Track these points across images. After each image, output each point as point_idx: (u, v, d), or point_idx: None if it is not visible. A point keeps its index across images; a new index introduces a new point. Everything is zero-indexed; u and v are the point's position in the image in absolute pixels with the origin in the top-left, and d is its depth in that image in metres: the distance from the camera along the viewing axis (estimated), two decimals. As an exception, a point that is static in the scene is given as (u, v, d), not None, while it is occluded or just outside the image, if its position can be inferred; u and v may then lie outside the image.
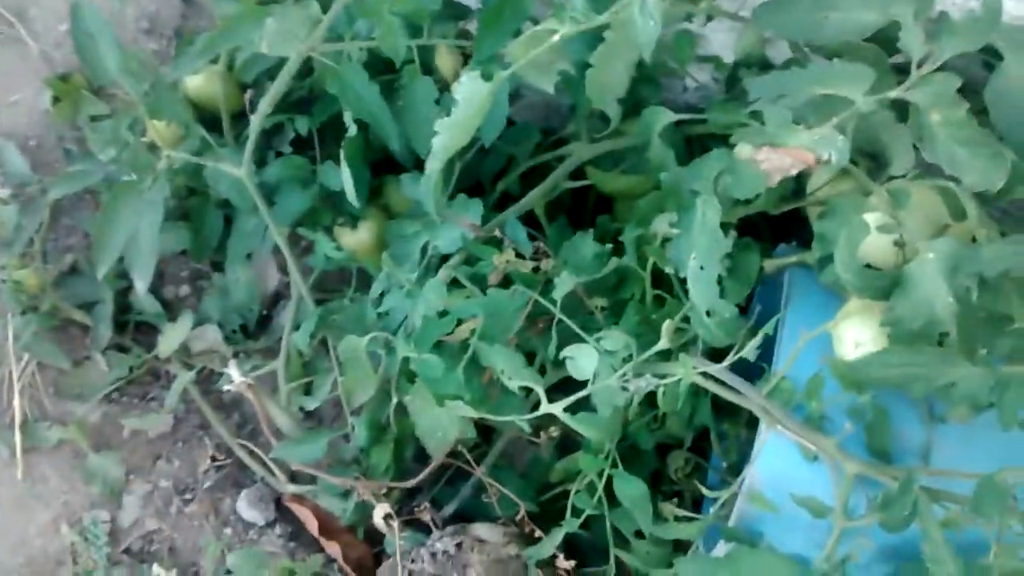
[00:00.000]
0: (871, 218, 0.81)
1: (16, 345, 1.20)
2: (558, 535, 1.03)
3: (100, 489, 1.19)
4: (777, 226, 1.12)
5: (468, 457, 1.08)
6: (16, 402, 1.20)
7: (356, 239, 1.17)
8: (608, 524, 1.01)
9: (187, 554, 1.18)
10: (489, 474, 1.09)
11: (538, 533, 1.05)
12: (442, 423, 1.01)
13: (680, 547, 1.02)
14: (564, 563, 1.02)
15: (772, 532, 0.88)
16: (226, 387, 1.11)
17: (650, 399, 1.01)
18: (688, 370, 0.84)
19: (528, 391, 0.92)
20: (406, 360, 1.01)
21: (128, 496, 1.20)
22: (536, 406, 0.90)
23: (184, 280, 1.29)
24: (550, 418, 0.96)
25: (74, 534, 1.17)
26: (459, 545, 0.97)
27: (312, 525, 1.15)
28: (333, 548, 1.14)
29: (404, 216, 1.10)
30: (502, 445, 1.10)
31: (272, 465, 1.20)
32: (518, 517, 1.06)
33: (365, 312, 1.08)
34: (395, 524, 0.99)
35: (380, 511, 1.00)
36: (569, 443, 1.13)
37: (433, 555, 0.97)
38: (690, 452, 1.14)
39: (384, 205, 1.20)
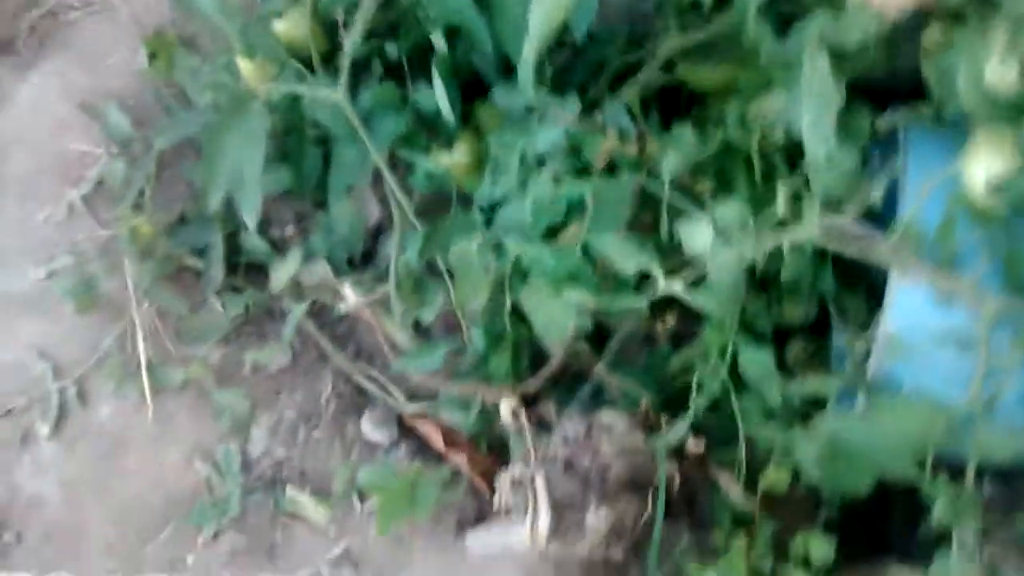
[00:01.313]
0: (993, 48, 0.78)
1: (136, 292, 1.23)
2: (685, 421, 1.02)
3: (228, 424, 1.21)
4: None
5: (586, 356, 1.07)
6: (140, 347, 1.23)
7: (453, 161, 1.17)
8: (735, 403, 0.99)
9: (317, 478, 1.20)
10: (608, 372, 1.08)
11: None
12: (558, 317, 1.01)
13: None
14: (695, 447, 1.01)
15: (910, 385, 0.86)
16: (343, 308, 1.12)
17: (764, 283, 1.00)
18: (812, 223, 0.82)
19: (641, 281, 0.91)
20: (517, 261, 1.01)
21: (255, 428, 1.22)
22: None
23: (289, 221, 1.31)
24: (666, 305, 0.96)
25: (207, 468, 1.19)
26: (589, 429, 0.97)
27: (436, 440, 1.16)
28: (459, 459, 1.14)
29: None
30: (619, 342, 1.09)
31: (391, 387, 1.21)
32: (641, 408, 1.05)
33: (471, 223, 1.09)
34: (522, 417, 0.99)
35: (506, 406, 1.00)
36: (685, 341, 1.12)
37: (564, 439, 0.97)
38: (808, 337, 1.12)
39: (476, 128, 1.21)
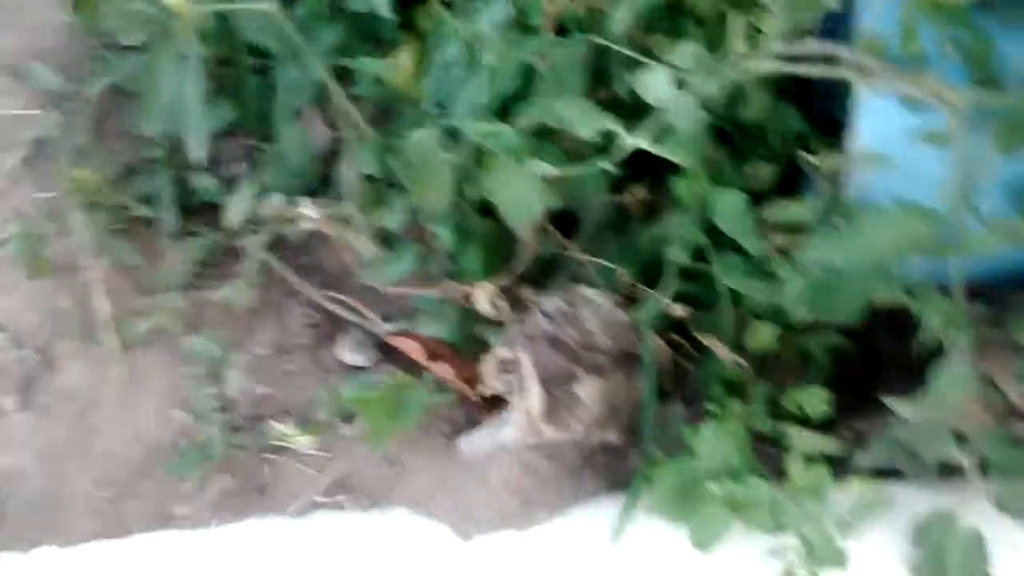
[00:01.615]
0: None
1: (89, 249, 1.19)
2: (666, 287, 0.99)
3: (201, 369, 1.17)
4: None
5: (559, 241, 1.05)
6: (101, 304, 1.19)
7: (397, 68, 1.14)
8: (713, 259, 0.97)
9: (301, 410, 1.17)
10: (583, 252, 1.06)
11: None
12: (524, 196, 0.98)
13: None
14: (679, 311, 0.99)
15: (886, 199, 0.84)
16: (305, 226, 1.09)
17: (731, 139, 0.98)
18: (771, 48, 0.79)
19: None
20: (477, 148, 0.98)
21: (230, 370, 1.18)
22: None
23: (239, 158, 1.28)
24: (634, 178, 0.93)
25: (185, 416, 1.15)
26: (571, 303, 0.94)
27: (418, 355, 1.13)
28: (444, 370, 1.11)
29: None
30: (591, 223, 1.06)
31: (366, 310, 1.18)
32: (621, 284, 1.02)
33: (424, 118, 1.05)
34: (501, 302, 0.96)
35: (483, 294, 0.97)
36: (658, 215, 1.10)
37: (546, 315, 0.94)
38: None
39: (417, 33, 1.18)
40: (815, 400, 1.05)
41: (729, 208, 0.92)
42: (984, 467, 0.93)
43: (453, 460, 1.10)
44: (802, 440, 1.01)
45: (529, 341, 0.92)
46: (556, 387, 0.93)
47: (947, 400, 0.86)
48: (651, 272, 1.10)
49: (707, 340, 1.03)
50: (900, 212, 0.79)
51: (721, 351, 1.02)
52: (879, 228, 0.80)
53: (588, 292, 0.97)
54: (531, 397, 0.91)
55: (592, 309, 0.96)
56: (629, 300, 1.05)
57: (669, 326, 1.10)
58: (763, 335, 1.06)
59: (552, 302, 0.95)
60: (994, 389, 0.90)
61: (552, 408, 0.93)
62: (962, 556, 0.92)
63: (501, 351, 0.93)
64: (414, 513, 1.09)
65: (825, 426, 1.05)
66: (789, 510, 0.90)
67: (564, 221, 1.11)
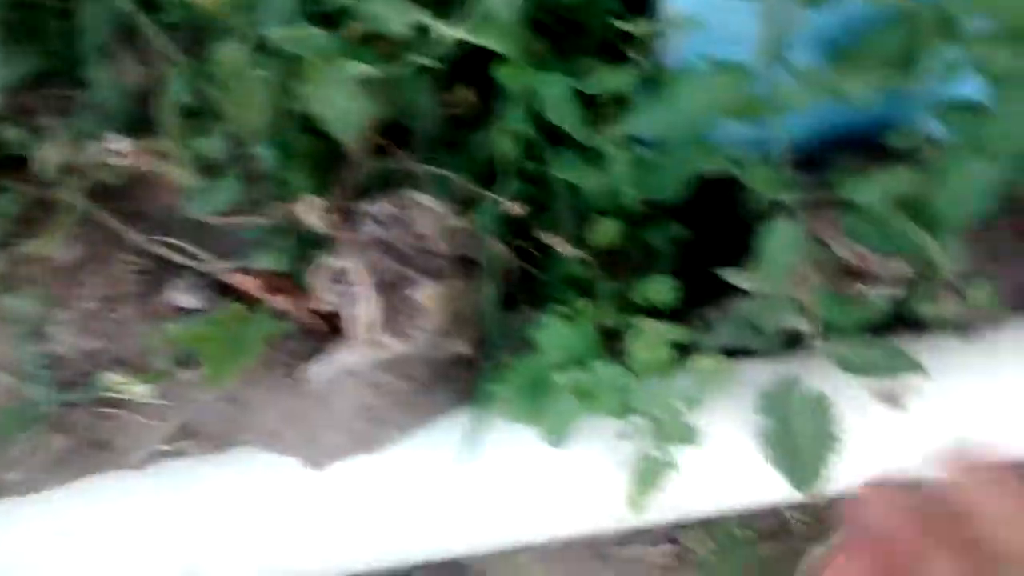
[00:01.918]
0: None
1: None
2: (503, 188, 0.97)
3: (23, 328, 1.09)
4: None
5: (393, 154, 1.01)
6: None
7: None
8: (545, 153, 0.95)
9: (137, 360, 1.10)
10: (416, 162, 1.02)
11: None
12: (344, 105, 0.94)
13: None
14: (516, 209, 0.96)
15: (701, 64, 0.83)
16: (122, 167, 1.02)
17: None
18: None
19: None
20: (291, 59, 0.93)
21: (57, 326, 1.10)
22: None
23: (52, 108, 1.19)
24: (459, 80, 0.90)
25: (7, 376, 1.07)
26: (399, 206, 0.90)
27: (256, 290, 1.08)
28: (284, 302, 1.06)
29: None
30: (424, 128, 1.03)
31: (197, 251, 1.11)
32: (458, 189, 0.99)
33: (233, 36, 1.00)
34: (331, 214, 0.92)
35: (309, 207, 0.93)
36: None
37: (376, 220, 0.90)
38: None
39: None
40: (661, 290, 1.04)
41: (554, 95, 0.90)
42: (823, 330, 0.94)
43: (300, 391, 1.06)
44: (650, 329, 1.00)
45: (359, 248, 0.88)
46: (392, 293, 0.90)
47: (778, 264, 0.86)
48: (491, 177, 1.07)
49: (548, 238, 1.01)
50: (711, 72, 0.79)
51: (563, 247, 1.00)
52: (692, 91, 0.79)
53: (420, 197, 0.94)
54: (366, 304, 0.87)
55: (425, 213, 0.92)
56: (469, 206, 1.01)
57: (513, 231, 1.08)
58: (605, 230, 1.05)
59: (381, 207, 0.91)
60: (824, 248, 0.91)
61: (390, 316, 0.90)
62: (807, 419, 0.93)
63: (331, 260, 0.88)
64: (263, 450, 1.04)
65: (677, 317, 1.04)
66: (636, 391, 0.88)
67: (397, 133, 1.08)
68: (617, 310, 1.07)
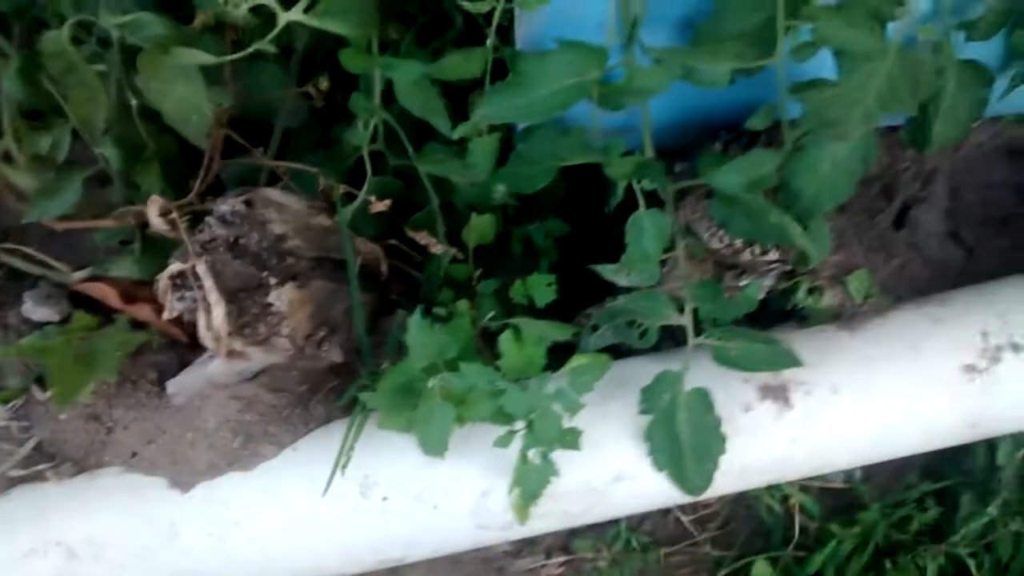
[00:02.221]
0: None
1: None
2: (366, 186, 0.92)
3: None
4: None
5: (250, 148, 0.95)
6: None
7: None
8: (406, 144, 0.90)
9: (-14, 381, 1.01)
10: (272, 159, 0.96)
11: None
12: (187, 97, 0.87)
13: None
14: (379, 206, 0.91)
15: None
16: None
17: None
18: None
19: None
20: (128, 49, 0.87)
21: (-102, 347, 1.01)
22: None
23: None
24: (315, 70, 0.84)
25: None
26: (249, 203, 0.84)
27: (113, 300, 1.01)
28: (143, 312, 0.99)
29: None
30: (283, 123, 0.97)
31: (51, 261, 1.04)
32: (320, 187, 0.94)
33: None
34: (174, 215, 0.85)
35: (154, 208, 0.86)
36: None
37: (222, 219, 0.84)
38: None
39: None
40: (541, 287, 1.00)
41: (405, 82, 0.84)
42: (701, 325, 0.90)
43: (166, 408, 0.99)
44: (531, 329, 0.96)
45: (204, 249, 0.82)
46: (245, 298, 0.84)
47: (645, 255, 0.82)
48: (358, 175, 1.02)
49: (418, 236, 0.96)
50: (559, 53, 0.74)
51: (434, 245, 0.95)
52: (539, 73, 0.75)
53: (273, 193, 0.88)
54: (214, 309, 0.80)
55: (280, 211, 0.87)
56: (334, 205, 0.96)
57: (385, 230, 1.02)
58: (480, 227, 1.00)
59: (228, 204, 0.84)
60: (694, 238, 0.87)
61: (247, 322, 0.84)
62: (690, 417, 0.89)
63: (173, 265, 0.82)
64: (127, 471, 0.97)
65: (561, 317, 1.00)
66: (510, 395, 0.84)
67: (258, 129, 1.01)
68: (499, 309, 1.02)
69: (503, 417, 0.87)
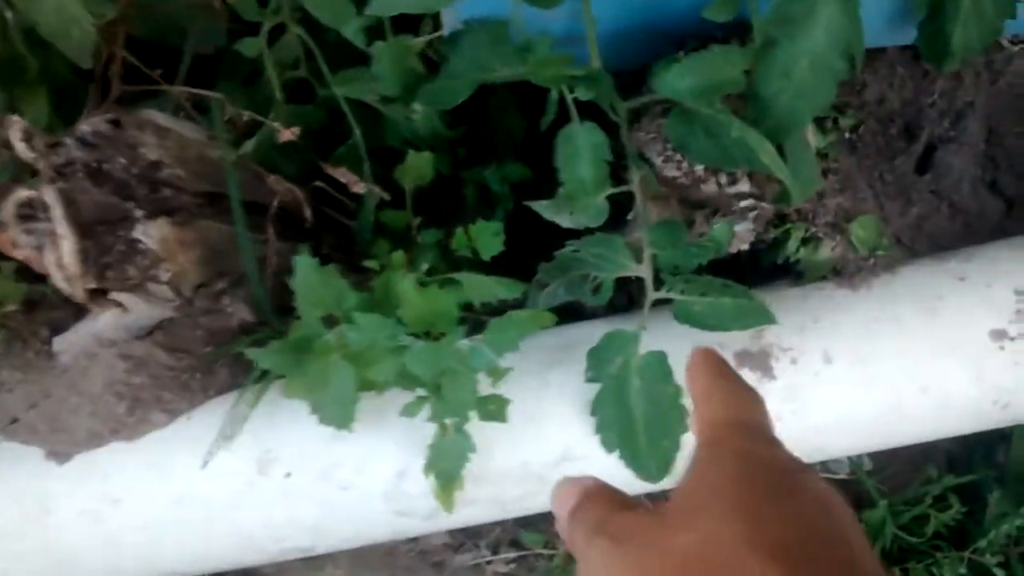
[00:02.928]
0: None
1: None
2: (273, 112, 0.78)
3: None
4: None
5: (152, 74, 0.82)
6: None
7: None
8: (322, 68, 0.76)
9: None
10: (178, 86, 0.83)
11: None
12: (67, 7, 0.74)
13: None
14: (287, 134, 0.77)
15: None
16: None
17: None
18: None
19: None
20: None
21: None
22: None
23: None
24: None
25: None
26: (117, 124, 0.71)
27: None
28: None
29: None
30: (193, 47, 0.83)
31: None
32: (225, 116, 0.80)
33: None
34: (37, 140, 0.72)
35: (16, 131, 0.73)
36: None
37: (81, 141, 0.71)
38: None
39: None
40: (487, 236, 0.84)
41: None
42: (662, 277, 0.74)
43: (53, 369, 0.86)
44: (473, 285, 0.81)
45: (59, 174, 0.69)
46: (105, 232, 0.70)
47: (580, 180, 0.66)
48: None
49: (338, 173, 0.81)
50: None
51: (353, 183, 0.81)
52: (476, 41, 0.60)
53: (155, 115, 0.74)
54: (62, 245, 0.67)
55: (161, 136, 0.73)
56: (240, 134, 0.82)
57: (312, 172, 0.88)
58: (417, 166, 0.85)
59: (90, 124, 0.71)
60: (646, 164, 0.71)
61: (105, 261, 0.70)
62: (644, 383, 0.73)
63: (20, 192, 0.69)
64: (5, 439, 0.85)
65: (523, 277, 0.85)
66: (415, 352, 0.68)
67: (166, 54, 0.88)
68: (442, 262, 0.87)
69: (409, 380, 0.71)
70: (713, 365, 0.42)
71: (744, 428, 0.37)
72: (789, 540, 0.30)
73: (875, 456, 0.94)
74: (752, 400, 0.39)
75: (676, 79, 0.64)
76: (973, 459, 0.91)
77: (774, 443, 0.37)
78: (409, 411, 0.72)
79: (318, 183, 0.90)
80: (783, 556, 0.30)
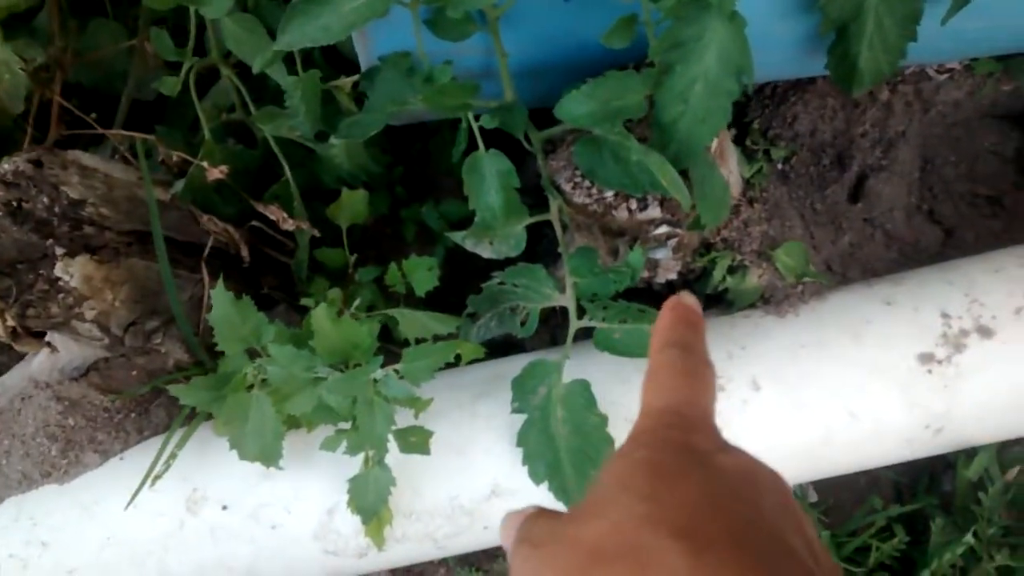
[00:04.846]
0: None
1: None
2: (201, 151, 0.79)
3: None
4: None
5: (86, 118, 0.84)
6: None
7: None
8: (235, 83, 0.77)
9: None
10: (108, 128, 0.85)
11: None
12: None
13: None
14: (216, 173, 0.78)
15: None
16: None
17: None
18: None
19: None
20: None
21: None
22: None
23: None
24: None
25: None
26: (37, 164, 0.72)
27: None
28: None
29: None
30: (128, 93, 0.85)
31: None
32: (172, 160, 0.81)
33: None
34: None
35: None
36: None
37: (2, 180, 0.72)
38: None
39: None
40: (420, 272, 0.85)
41: (229, 27, 0.71)
42: (583, 306, 0.74)
43: (-12, 412, 0.86)
44: (408, 322, 0.81)
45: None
46: (25, 270, 0.71)
47: (490, 207, 0.67)
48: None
49: (269, 211, 0.82)
50: None
51: (284, 220, 0.81)
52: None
53: (80, 156, 0.75)
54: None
55: (85, 175, 0.74)
56: (174, 173, 0.83)
57: (248, 212, 0.89)
58: (351, 204, 0.86)
59: (12, 163, 0.72)
60: (558, 192, 0.71)
61: (26, 299, 0.70)
62: (568, 412, 0.72)
63: (-62, 232, 0.70)
64: (-60, 485, 0.84)
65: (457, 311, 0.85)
66: (332, 385, 0.68)
67: (104, 99, 0.90)
68: (380, 301, 0.88)
69: (328, 413, 0.71)
70: (676, 327, 0.41)
71: (673, 417, 0.37)
72: (693, 519, 0.31)
73: (819, 486, 0.93)
74: (694, 381, 0.39)
75: (576, 105, 0.65)
76: (918, 488, 0.90)
77: (697, 428, 0.36)
78: (329, 445, 0.71)
79: (256, 223, 0.90)
80: (684, 534, 0.30)
